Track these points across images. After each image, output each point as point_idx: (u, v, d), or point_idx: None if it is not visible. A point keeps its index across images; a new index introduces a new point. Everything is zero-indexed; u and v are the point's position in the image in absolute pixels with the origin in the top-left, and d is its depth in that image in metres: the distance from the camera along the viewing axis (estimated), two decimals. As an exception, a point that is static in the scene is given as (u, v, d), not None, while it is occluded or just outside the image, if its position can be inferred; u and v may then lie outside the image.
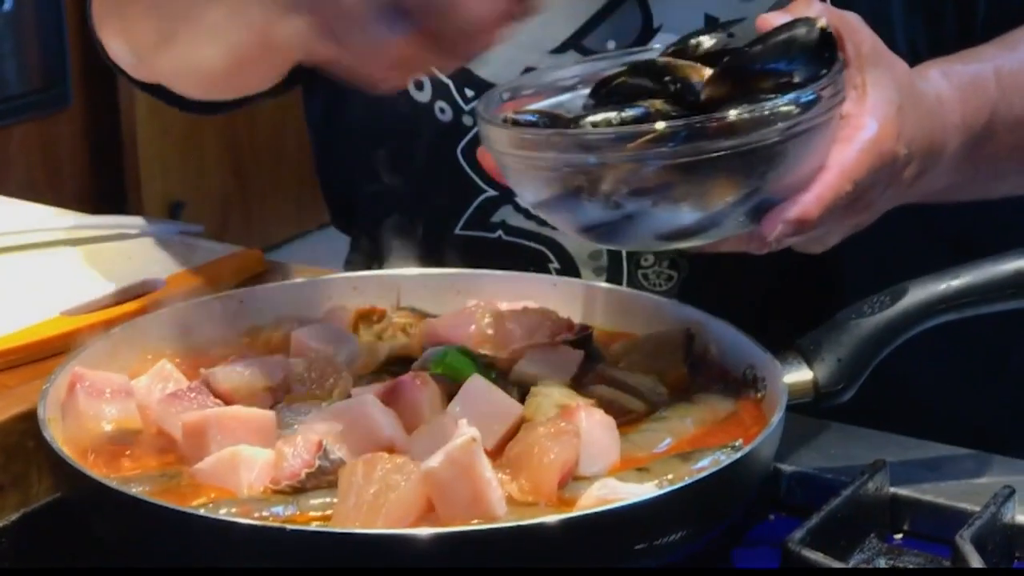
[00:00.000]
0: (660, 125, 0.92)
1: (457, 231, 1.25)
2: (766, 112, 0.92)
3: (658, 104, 0.96)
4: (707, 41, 1.01)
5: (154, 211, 3.10)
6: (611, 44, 1.17)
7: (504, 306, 1.10)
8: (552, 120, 1.00)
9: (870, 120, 0.96)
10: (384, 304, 1.13)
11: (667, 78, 0.97)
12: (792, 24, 0.95)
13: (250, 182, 3.40)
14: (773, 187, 0.94)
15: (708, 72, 0.96)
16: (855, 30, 0.99)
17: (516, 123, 0.99)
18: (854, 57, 0.98)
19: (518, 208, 1.22)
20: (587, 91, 1.03)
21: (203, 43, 1.04)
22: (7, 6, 2.85)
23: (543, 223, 1.21)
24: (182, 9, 1.04)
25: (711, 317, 1.06)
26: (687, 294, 1.14)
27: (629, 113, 0.96)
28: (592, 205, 0.95)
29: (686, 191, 0.93)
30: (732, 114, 0.92)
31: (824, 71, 0.95)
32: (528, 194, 0.99)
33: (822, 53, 0.95)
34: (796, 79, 0.95)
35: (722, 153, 0.92)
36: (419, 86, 1.22)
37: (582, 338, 1.06)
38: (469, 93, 1.20)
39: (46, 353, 1.08)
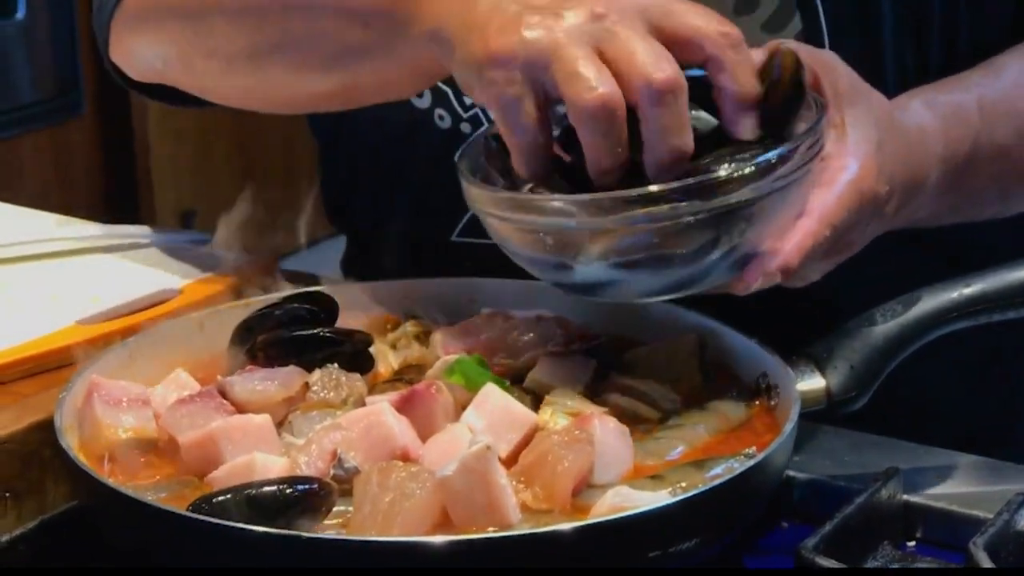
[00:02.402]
0: (653, 188, 0.92)
1: (454, 238, 1.25)
2: (748, 170, 0.92)
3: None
4: None
5: (166, 219, 3.11)
6: None
7: (517, 314, 1.10)
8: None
9: (851, 160, 0.97)
10: (398, 313, 1.14)
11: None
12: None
13: (262, 190, 3.41)
14: (755, 240, 0.94)
15: None
16: (831, 68, 0.99)
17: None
18: (832, 96, 0.97)
19: None
20: None
21: (314, 66, 1.05)
22: (20, 15, 2.85)
23: None
24: (302, 32, 1.06)
25: (724, 325, 1.07)
26: (690, 303, 1.14)
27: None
28: (576, 268, 0.95)
29: (671, 252, 0.93)
30: (720, 174, 0.92)
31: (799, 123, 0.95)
32: (508, 248, 0.99)
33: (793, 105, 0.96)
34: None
35: (708, 214, 0.92)
36: (419, 93, 1.22)
37: (595, 346, 1.06)
38: (468, 101, 1.20)
39: (62, 362, 1.08)
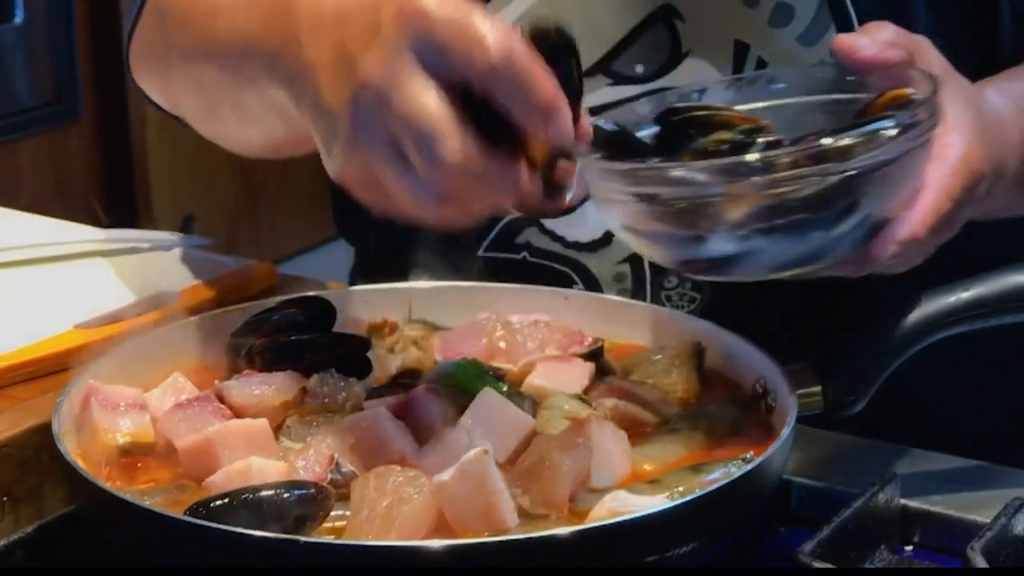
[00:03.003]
0: (795, 149, 0.92)
1: (481, 252, 1.25)
2: (891, 132, 0.92)
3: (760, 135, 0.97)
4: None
5: (165, 224, 3.10)
6: (640, 68, 1.17)
7: (515, 319, 1.10)
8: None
9: (956, 138, 0.97)
10: (396, 317, 1.14)
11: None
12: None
13: (260, 195, 3.40)
14: (887, 207, 0.94)
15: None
16: (926, 52, 1.01)
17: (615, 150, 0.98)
18: None
19: (543, 230, 1.22)
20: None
21: (245, 125, 1.04)
22: (18, 19, 2.85)
23: (568, 245, 1.22)
24: (223, 91, 1.04)
25: (722, 330, 1.07)
26: (709, 315, 1.14)
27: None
28: (711, 239, 0.94)
29: (810, 217, 0.93)
30: (880, 127, 0.92)
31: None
32: (633, 229, 0.98)
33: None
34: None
35: (856, 172, 0.92)
36: None
37: (593, 351, 1.06)
38: None
39: (60, 366, 1.08)
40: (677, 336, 1.07)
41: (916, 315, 1.01)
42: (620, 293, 1.22)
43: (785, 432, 0.94)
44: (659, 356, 1.06)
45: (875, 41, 0.98)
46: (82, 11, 2.95)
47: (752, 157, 0.93)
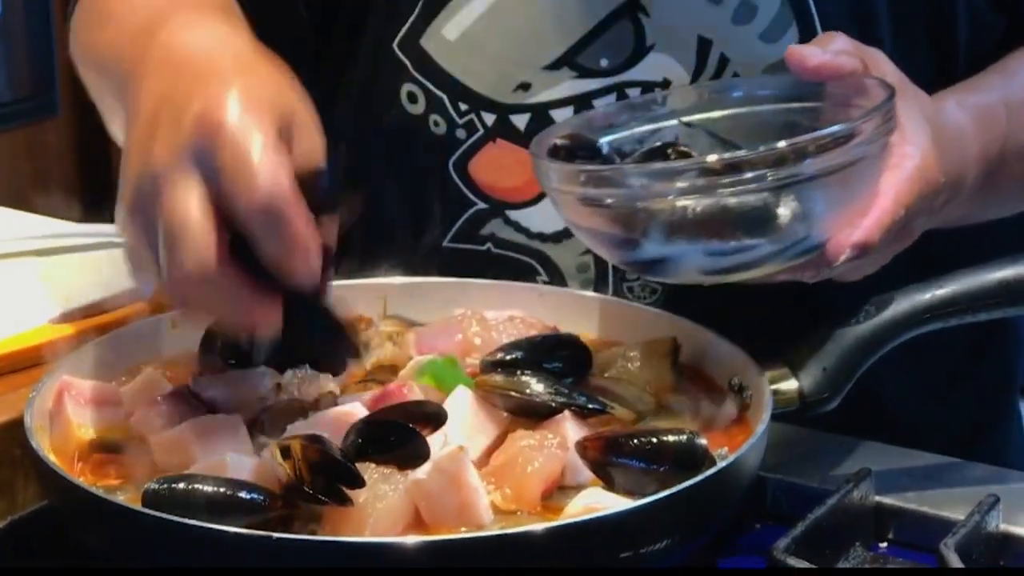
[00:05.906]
0: (741, 153, 0.92)
1: (445, 243, 1.25)
2: (833, 138, 0.92)
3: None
4: None
5: (142, 219, 3.10)
6: (604, 62, 1.18)
7: (491, 315, 1.10)
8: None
9: (913, 149, 0.98)
10: (371, 313, 1.14)
11: None
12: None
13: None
14: (834, 216, 0.94)
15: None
16: (880, 63, 1.01)
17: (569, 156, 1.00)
18: None
19: (508, 221, 1.23)
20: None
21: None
22: (-4, 14, 2.85)
23: (532, 236, 1.22)
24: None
25: (698, 326, 1.07)
26: (670, 307, 1.15)
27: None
28: (644, 243, 0.95)
29: (750, 223, 0.93)
30: (812, 137, 0.92)
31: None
32: (577, 224, 0.99)
33: None
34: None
35: (793, 182, 0.92)
36: (412, 99, 1.22)
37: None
38: (463, 107, 1.21)
39: (33, 361, 1.08)
40: (653, 332, 1.07)
41: (891, 312, 1.02)
42: (583, 284, 1.22)
43: (760, 429, 0.94)
44: (634, 352, 1.05)
45: (826, 50, 0.99)
46: (59, 6, 2.95)
47: (681, 162, 0.93)
